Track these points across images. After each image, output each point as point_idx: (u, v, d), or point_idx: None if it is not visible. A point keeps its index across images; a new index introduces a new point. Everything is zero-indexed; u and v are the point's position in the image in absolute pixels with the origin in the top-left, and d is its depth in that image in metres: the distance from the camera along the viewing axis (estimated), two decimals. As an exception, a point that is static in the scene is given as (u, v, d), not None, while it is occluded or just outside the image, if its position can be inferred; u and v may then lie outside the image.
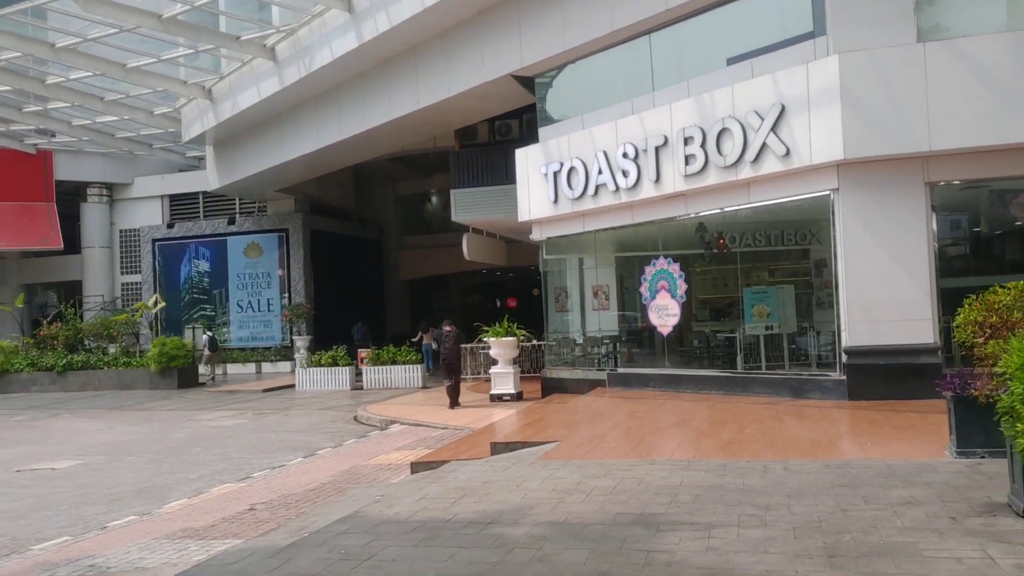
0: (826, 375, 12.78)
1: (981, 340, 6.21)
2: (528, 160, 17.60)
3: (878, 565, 4.94)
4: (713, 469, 7.85)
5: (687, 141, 13.98)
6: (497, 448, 10.09)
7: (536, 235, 18.12)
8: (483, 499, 7.06)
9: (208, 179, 30.63)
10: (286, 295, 32.11)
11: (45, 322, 29.84)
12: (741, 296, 14.54)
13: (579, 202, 16.19)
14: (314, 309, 31.74)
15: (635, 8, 14.86)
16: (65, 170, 33.49)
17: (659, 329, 15.47)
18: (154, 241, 33.97)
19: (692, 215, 14.78)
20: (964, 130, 11.55)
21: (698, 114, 13.90)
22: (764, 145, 12.80)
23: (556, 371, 18.04)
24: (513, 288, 40.52)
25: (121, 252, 35.30)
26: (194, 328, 30.07)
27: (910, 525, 5.70)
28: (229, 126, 26.14)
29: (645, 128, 14.81)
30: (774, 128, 12.66)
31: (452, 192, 22.67)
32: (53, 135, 31.65)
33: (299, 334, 30.37)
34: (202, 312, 33.04)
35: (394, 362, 23.03)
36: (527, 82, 18.03)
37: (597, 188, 15.75)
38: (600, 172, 15.60)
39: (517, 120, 22.48)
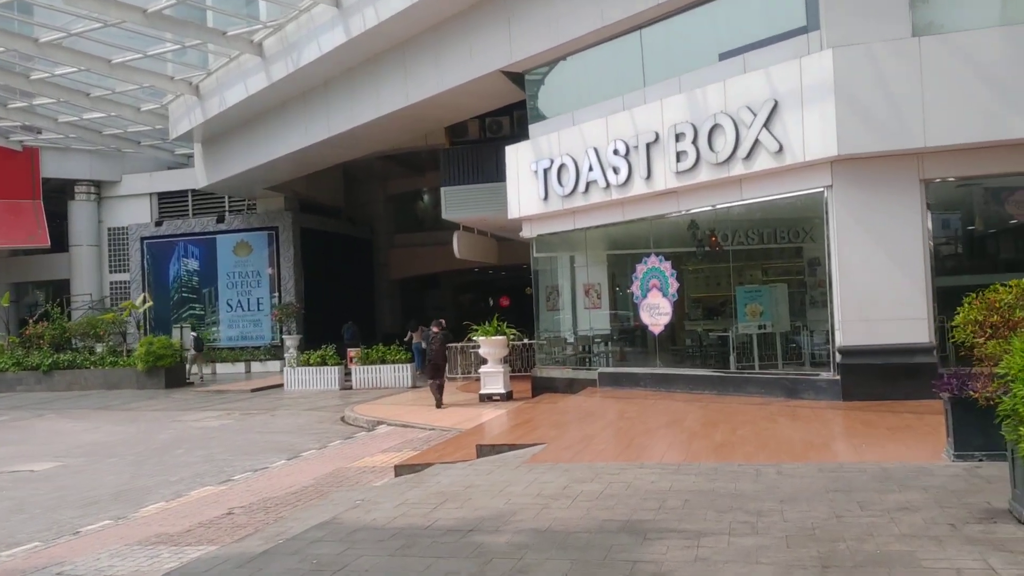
0: (820, 375, 12.56)
1: (982, 340, 5.98)
2: (518, 157, 17.36)
3: (874, 576, 4.73)
4: (704, 473, 7.62)
5: (678, 137, 13.76)
6: (483, 451, 9.85)
7: (526, 233, 17.89)
8: (465, 505, 6.82)
9: (196, 177, 30.30)
10: (276, 294, 31.81)
11: (31, 321, 29.49)
12: (734, 295, 14.33)
13: (569, 199, 15.96)
14: (304, 308, 31.45)
15: (625, 3, 14.63)
16: (52, 167, 33.13)
17: (650, 328, 15.25)
18: (142, 239, 33.62)
19: (684, 212, 14.56)
20: (960, 126, 11.35)
21: (690, 110, 13.68)
22: (757, 141, 12.58)
23: (547, 370, 17.81)
24: (506, 287, 40.29)
25: (109, 250, 34.94)
26: (182, 327, 29.73)
27: (907, 532, 5.47)
28: (217, 123, 25.82)
29: (636, 125, 14.58)
30: (767, 124, 12.44)
31: (442, 190, 22.44)
32: (39, 132, 31.29)
33: (289, 333, 30.08)
34: (191, 311, 32.71)
35: (383, 361, 22.77)
36: (517, 78, 17.79)
37: (588, 185, 15.52)
38: (591, 169, 15.37)
39: (508, 117, 22.26)
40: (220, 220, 32.88)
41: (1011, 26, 11.37)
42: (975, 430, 7.42)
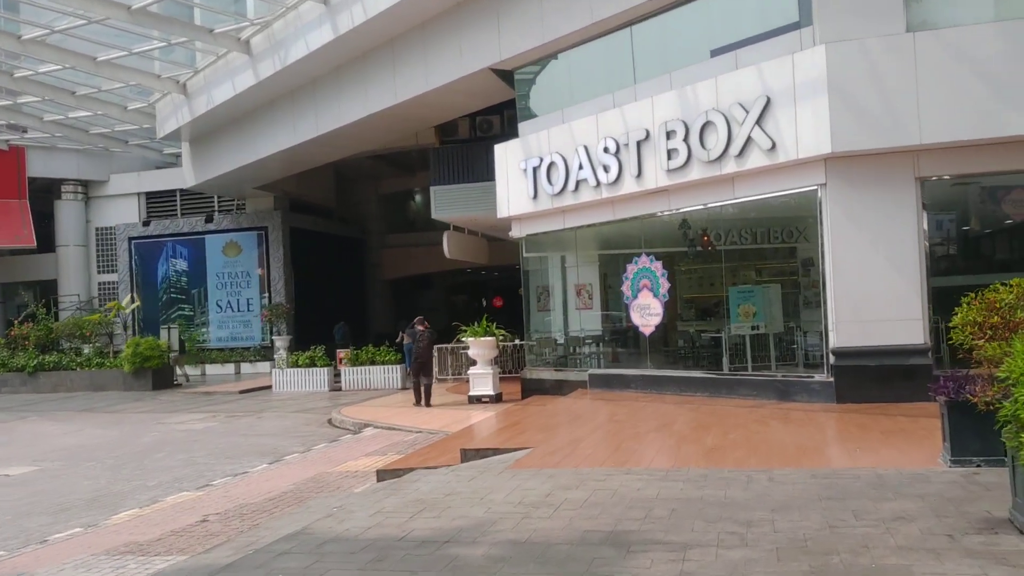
0: (813, 377, 12.32)
1: (982, 342, 5.71)
2: (507, 155, 17.10)
3: (869, 592, 4.47)
4: (693, 479, 7.36)
5: (669, 135, 13.50)
6: (467, 455, 9.58)
7: (515, 232, 17.62)
8: (443, 514, 6.54)
9: (184, 176, 29.97)
10: (266, 295, 31.49)
11: (16, 322, 29.12)
12: (726, 295, 14.08)
13: (559, 198, 15.70)
14: (294, 309, 31.12)
15: (616, -2, 14.39)
16: (39, 167, 32.71)
17: (641, 329, 15.00)
18: (130, 239, 33.25)
19: (675, 211, 14.31)
20: (955, 123, 11.11)
21: (681, 107, 13.43)
22: (749, 139, 12.33)
23: (537, 372, 17.54)
24: (499, 287, 39.96)
25: (97, 251, 34.53)
26: (169, 328, 29.38)
27: (904, 544, 5.21)
28: (204, 121, 25.50)
29: (626, 122, 14.33)
30: (759, 121, 12.19)
31: (432, 189, 22.18)
32: (25, 131, 30.87)
33: (279, 334, 29.75)
34: (180, 312, 32.36)
35: (373, 362, 22.48)
36: (507, 76, 17.52)
37: (577, 183, 15.26)
38: (580, 167, 15.11)
39: (498, 116, 21.98)
40: (209, 220, 32.53)
41: (1007, 21, 11.14)
42: (972, 435, 7.19)
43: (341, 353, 23.56)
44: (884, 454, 8.24)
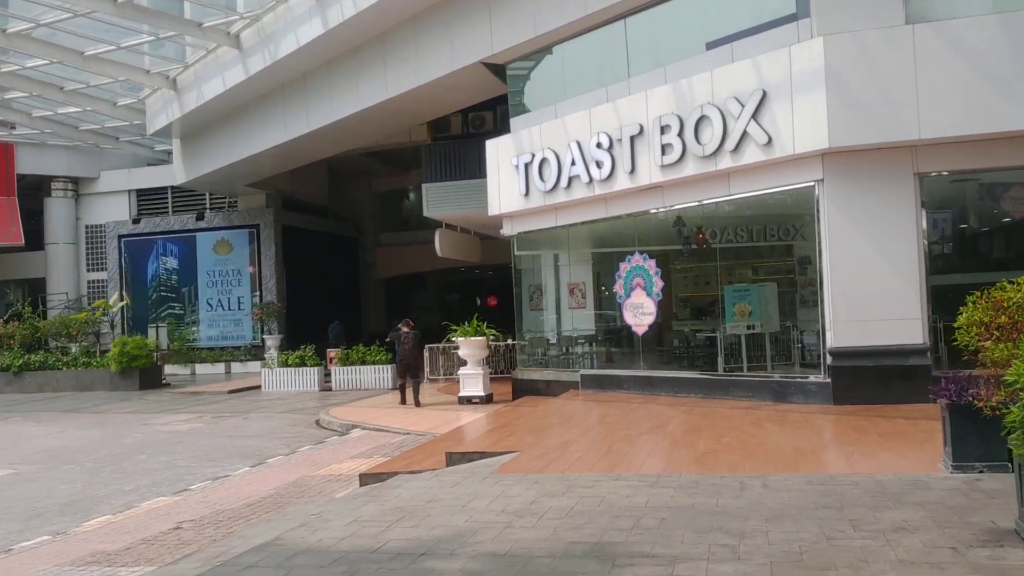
0: (809, 378, 12.03)
1: (988, 343, 5.41)
2: (499, 151, 16.79)
3: (868, 611, 4.17)
4: (684, 486, 7.06)
5: (664, 130, 13.20)
6: (453, 459, 9.27)
7: (507, 230, 17.31)
8: (422, 523, 6.23)
9: (175, 173, 29.62)
10: (257, 293, 31.16)
11: (1, 321, 28.74)
12: (721, 294, 13.79)
13: (551, 195, 15.39)
14: (286, 308, 30.79)
15: (609, -10, 14.09)
16: (28, 163, 32.34)
17: (634, 328, 14.70)
18: (120, 237, 32.89)
19: (669, 208, 14.01)
20: (955, 117, 10.84)
21: (675, 101, 13.13)
22: (745, 133, 12.03)
23: (528, 372, 17.24)
24: (493, 286, 39.63)
25: (87, 248, 34.17)
26: (157, 327, 29.02)
27: (905, 558, 4.91)
28: (195, 117, 25.17)
29: (620, 117, 14.03)
30: (755, 115, 11.90)
31: (423, 186, 21.88)
32: (13, 127, 30.51)
33: (270, 333, 29.42)
34: (170, 311, 32.02)
35: (363, 362, 22.15)
36: (499, 71, 17.22)
37: (570, 180, 14.96)
38: (573, 163, 14.80)
39: (491, 112, 21.64)
40: (200, 217, 32.19)
41: (1009, 13, 10.84)
42: (975, 439, 6.90)
43: (331, 353, 23.23)
44: (883, 458, 7.95)
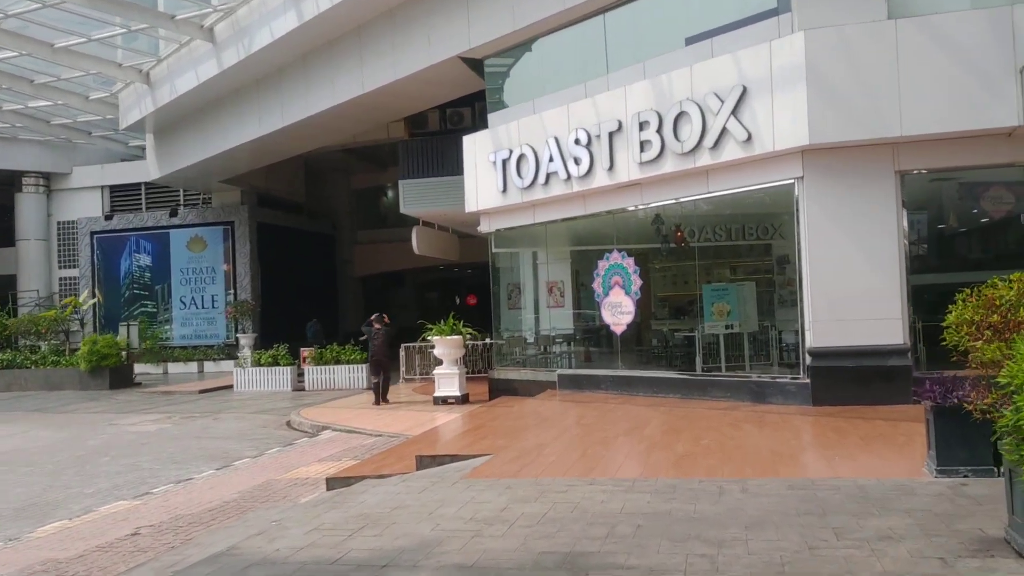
0: (788, 378, 11.83)
1: (979, 343, 5.18)
2: (476, 147, 16.50)
3: (853, 627, 3.93)
4: (661, 491, 6.81)
5: (642, 126, 12.97)
6: (423, 462, 8.98)
7: (484, 227, 17.02)
8: (386, 531, 5.94)
9: (148, 169, 29.09)
10: (231, 291, 30.67)
11: (-33, 319, 28.18)
12: (700, 293, 13.57)
13: (529, 191, 15.12)
14: (261, 306, 30.33)
15: (588, -16, 13.84)
16: (-2, 158, 31.74)
17: (613, 328, 14.47)
18: (92, 234, 32.29)
19: (647, 206, 13.79)
20: (937, 114, 10.65)
21: (654, 97, 12.89)
22: (724, 130, 11.82)
23: (505, 372, 16.95)
24: (472, 285, 39.31)
25: (59, 245, 33.54)
26: (128, 325, 28.47)
27: (892, 569, 4.68)
28: (168, 112, 24.70)
29: (598, 112, 13.78)
30: (735, 111, 11.68)
31: (400, 182, 21.55)
32: (-19, 121, 29.87)
33: (244, 332, 28.96)
34: (143, 308, 31.46)
35: (338, 362, 21.80)
36: (477, 65, 16.93)
37: (548, 177, 14.70)
38: (551, 159, 14.55)
39: (469, 108, 21.35)
40: (174, 214, 31.66)
41: (991, 8, 10.67)
42: (960, 443, 6.70)
43: (305, 352, 22.85)
44: (864, 462, 7.74)
